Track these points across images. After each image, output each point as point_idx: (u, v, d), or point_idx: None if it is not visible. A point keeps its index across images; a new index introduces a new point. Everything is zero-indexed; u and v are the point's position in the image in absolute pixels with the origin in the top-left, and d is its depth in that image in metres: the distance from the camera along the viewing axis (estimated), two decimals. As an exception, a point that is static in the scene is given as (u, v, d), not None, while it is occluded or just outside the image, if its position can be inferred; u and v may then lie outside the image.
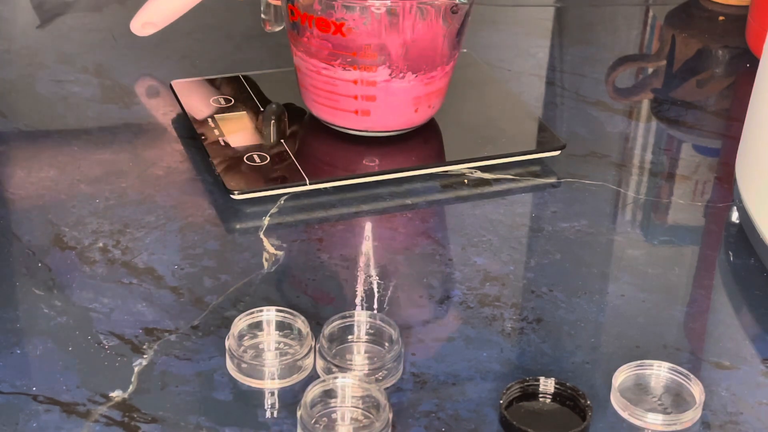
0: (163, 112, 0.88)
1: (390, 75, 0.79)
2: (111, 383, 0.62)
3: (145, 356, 0.64)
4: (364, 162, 0.81)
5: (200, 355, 0.65)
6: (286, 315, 0.65)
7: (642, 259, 0.75)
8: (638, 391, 0.63)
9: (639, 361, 0.64)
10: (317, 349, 0.64)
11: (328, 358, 0.63)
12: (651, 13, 1.11)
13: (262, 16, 0.87)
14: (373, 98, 0.80)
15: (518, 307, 0.70)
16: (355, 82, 0.79)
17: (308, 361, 0.64)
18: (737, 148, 0.80)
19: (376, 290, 0.71)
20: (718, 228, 0.80)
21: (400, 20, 0.77)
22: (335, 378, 0.61)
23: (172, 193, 0.79)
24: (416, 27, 0.77)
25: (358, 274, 0.73)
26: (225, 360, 0.64)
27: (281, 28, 0.87)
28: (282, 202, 0.78)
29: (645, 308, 0.70)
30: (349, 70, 0.79)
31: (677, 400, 0.63)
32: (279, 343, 0.65)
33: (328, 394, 0.61)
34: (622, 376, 0.63)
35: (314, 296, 0.70)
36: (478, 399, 0.63)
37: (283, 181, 0.78)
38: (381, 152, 0.82)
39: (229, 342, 0.63)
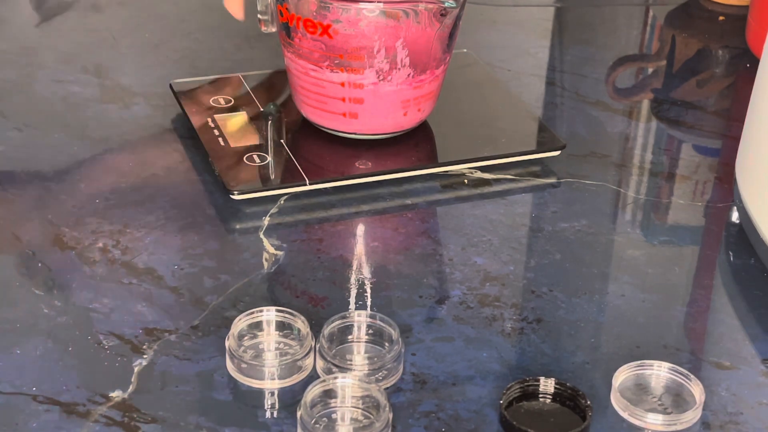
0: (163, 112, 0.88)
1: (377, 78, 0.78)
2: (111, 383, 0.62)
3: (145, 356, 0.64)
4: (363, 162, 0.81)
5: (200, 355, 0.65)
6: (286, 315, 0.65)
7: (642, 259, 0.75)
8: (638, 391, 0.63)
9: (639, 361, 0.64)
10: (317, 349, 0.64)
11: (328, 358, 0.63)
12: (651, 13, 1.11)
13: (259, 16, 0.87)
14: (360, 101, 0.80)
15: (518, 307, 0.70)
16: (342, 84, 0.79)
17: (308, 361, 0.64)
18: (737, 148, 0.80)
19: (375, 290, 0.71)
20: (718, 228, 0.80)
21: (388, 23, 0.77)
22: (335, 378, 0.61)
23: (172, 193, 0.79)
24: (404, 30, 0.77)
25: (358, 274, 0.73)
26: (225, 360, 0.64)
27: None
28: (282, 202, 0.78)
29: (645, 308, 0.70)
30: (337, 72, 0.78)
31: (677, 400, 0.63)
32: (279, 343, 0.65)
33: (328, 394, 0.61)
34: (622, 376, 0.63)
35: (314, 296, 0.70)
36: (478, 399, 0.63)
37: (283, 181, 0.78)
38: (380, 153, 0.82)
39: (229, 342, 0.63)
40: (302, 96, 0.82)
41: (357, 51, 0.77)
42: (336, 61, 0.78)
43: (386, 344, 0.65)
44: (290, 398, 0.63)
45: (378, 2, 0.76)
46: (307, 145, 0.82)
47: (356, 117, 0.80)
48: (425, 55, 0.79)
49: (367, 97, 0.79)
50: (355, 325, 0.66)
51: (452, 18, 0.79)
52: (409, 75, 0.79)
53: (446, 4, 0.76)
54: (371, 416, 0.60)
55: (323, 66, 0.79)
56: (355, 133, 0.82)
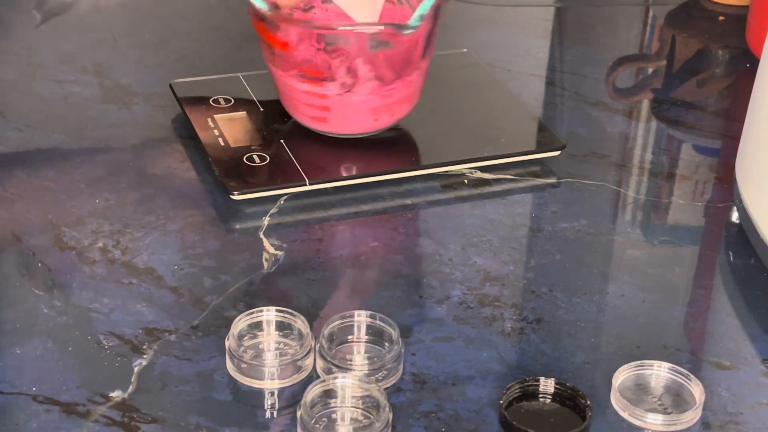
0: (163, 112, 0.88)
1: (342, 90, 0.78)
2: (111, 383, 0.62)
3: (145, 356, 0.64)
4: (363, 163, 0.81)
5: (200, 355, 0.65)
6: (286, 315, 0.65)
7: (642, 259, 0.75)
8: (638, 391, 0.63)
9: (639, 362, 0.64)
10: (317, 349, 0.64)
11: (328, 358, 0.63)
12: (651, 13, 1.11)
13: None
14: (327, 108, 0.79)
15: (518, 307, 0.70)
16: (307, 93, 0.79)
17: (308, 361, 0.64)
18: (737, 148, 0.80)
19: (375, 290, 0.71)
20: (718, 228, 0.80)
21: (345, 43, 0.76)
22: (335, 378, 0.61)
23: (172, 193, 0.79)
24: (362, 50, 0.76)
25: (358, 274, 0.73)
26: (225, 360, 0.64)
27: None
28: (282, 202, 0.78)
29: (645, 308, 0.70)
30: (301, 81, 0.78)
31: (677, 400, 0.63)
32: (279, 343, 0.65)
33: (328, 394, 0.61)
34: (622, 376, 0.63)
35: (314, 296, 0.70)
36: (478, 399, 0.63)
37: (283, 181, 0.78)
38: (380, 153, 0.82)
39: (229, 342, 0.63)
40: (281, 94, 0.82)
41: (313, 66, 0.77)
42: (299, 73, 0.78)
43: (386, 344, 0.65)
44: (290, 398, 0.63)
45: (327, 30, 0.76)
46: (307, 145, 0.82)
47: (325, 121, 0.80)
48: (390, 70, 0.78)
49: (334, 106, 0.79)
50: (355, 325, 0.66)
51: (419, 33, 0.77)
52: (375, 86, 0.78)
53: (405, 33, 0.75)
54: (371, 416, 0.60)
55: (290, 74, 0.78)
56: (328, 133, 0.81)
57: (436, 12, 0.77)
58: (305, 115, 0.81)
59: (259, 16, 0.77)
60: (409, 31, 0.75)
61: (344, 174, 0.80)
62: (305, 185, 0.78)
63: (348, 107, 0.79)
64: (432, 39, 0.79)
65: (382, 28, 0.76)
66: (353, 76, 0.77)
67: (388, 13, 0.80)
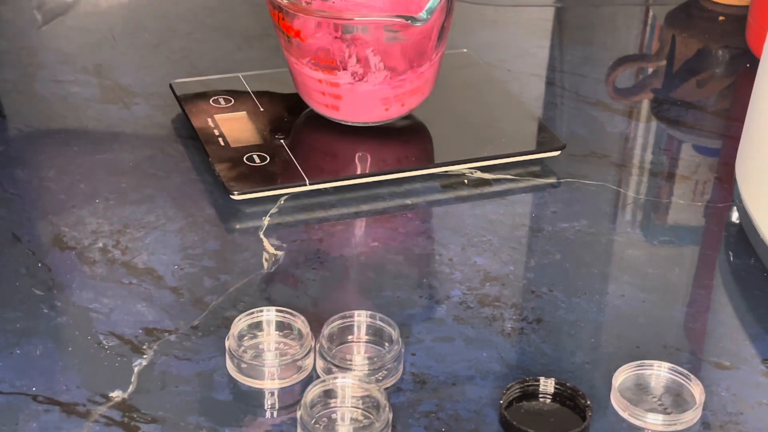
0: (163, 112, 0.88)
1: (353, 79, 0.79)
2: (111, 383, 0.62)
3: (145, 356, 0.64)
4: (363, 162, 0.81)
5: (200, 355, 0.65)
6: (286, 315, 0.65)
7: (642, 259, 0.75)
8: (638, 392, 0.63)
9: (639, 362, 0.64)
10: (317, 349, 0.64)
11: (328, 358, 0.63)
12: (651, 13, 1.11)
13: None
14: (339, 97, 0.80)
15: (518, 307, 0.70)
16: (320, 81, 0.79)
17: (308, 361, 0.64)
18: (737, 148, 0.80)
19: (375, 290, 0.71)
20: (718, 228, 0.80)
21: (353, 33, 0.77)
22: (335, 378, 0.61)
23: (172, 193, 0.79)
24: (372, 41, 0.77)
25: (358, 274, 0.73)
26: (225, 360, 0.64)
27: None
28: (282, 202, 0.78)
29: (645, 308, 0.70)
30: (314, 69, 0.79)
31: (677, 400, 0.63)
32: (279, 343, 0.65)
33: (328, 394, 0.61)
34: (622, 376, 0.63)
35: (314, 296, 0.70)
36: (478, 399, 0.63)
37: (283, 181, 0.78)
38: (380, 152, 0.82)
39: (229, 342, 0.63)
40: (296, 80, 0.83)
41: (326, 55, 0.78)
42: (313, 60, 0.78)
43: (386, 344, 0.65)
44: (290, 398, 0.63)
45: (338, 20, 0.76)
46: (307, 145, 0.82)
47: (337, 109, 0.81)
48: (401, 61, 0.79)
49: (345, 95, 0.80)
50: (355, 325, 0.66)
51: (431, 25, 0.78)
52: (386, 76, 0.79)
53: (414, 25, 0.76)
54: (371, 416, 0.60)
55: (303, 62, 0.79)
56: (341, 121, 0.82)
57: (448, 4, 0.78)
58: (318, 103, 0.82)
59: (275, 5, 0.78)
60: (419, 23, 0.76)
61: (344, 174, 0.80)
62: (305, 185, 0.78)
63: (359, 96, 0.80)
64: (445, 32, 0.80)
65: (392, 19, 0.76)
66: (364, 66, 0.78)
67: (402, 3, 0.81)
